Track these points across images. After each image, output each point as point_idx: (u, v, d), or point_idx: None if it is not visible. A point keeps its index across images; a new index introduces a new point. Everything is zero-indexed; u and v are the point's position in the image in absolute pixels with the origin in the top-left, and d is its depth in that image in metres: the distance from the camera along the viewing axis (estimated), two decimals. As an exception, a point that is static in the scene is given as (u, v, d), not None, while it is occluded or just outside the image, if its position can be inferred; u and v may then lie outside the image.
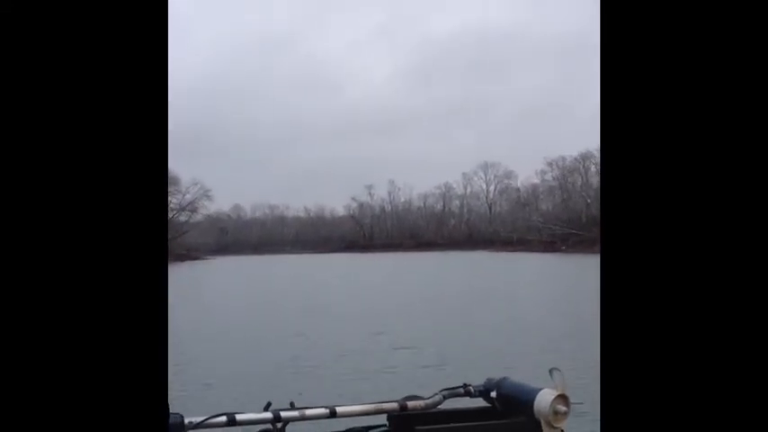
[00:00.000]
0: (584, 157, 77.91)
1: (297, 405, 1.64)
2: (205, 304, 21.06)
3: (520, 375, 1.79)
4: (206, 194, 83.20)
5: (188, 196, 79.89)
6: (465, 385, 1.82)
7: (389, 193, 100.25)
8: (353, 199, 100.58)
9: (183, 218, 78.63)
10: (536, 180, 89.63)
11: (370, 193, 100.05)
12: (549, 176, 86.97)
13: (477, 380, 1.84)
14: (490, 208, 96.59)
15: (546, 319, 16.16)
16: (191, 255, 72.89)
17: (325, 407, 1.66)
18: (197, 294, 23.76)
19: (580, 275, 24.91)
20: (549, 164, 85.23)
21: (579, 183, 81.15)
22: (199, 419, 1.51)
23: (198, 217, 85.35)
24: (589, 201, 73.31)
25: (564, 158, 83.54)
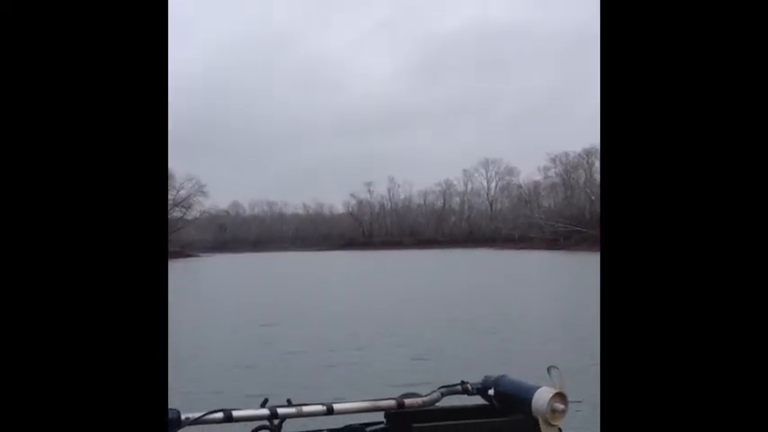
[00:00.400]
0: (588, 152, 77.71)
1: (294, 402, 1.66)
2: (192, 305, 20.69)
3: (522, 375, 1.81)
4: (201, 190, 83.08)
5: (182, 192, 79.65)
6: (463, 383, 1.84)
7: (389, 190, 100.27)
8: (352, 196, 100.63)
9: (176, 214, 78.33)
10: (538, 177, 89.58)
11: (369, 190, 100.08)
12: (551, 173, 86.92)
13: (476, 378, 1.86)
14: (491, 205, 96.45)
15: (548, 318, 16.16)
16: (185, 252, 72.51)
17: (323, 404, 1.67)
18: (184, 296, 23.35)
19: (584, 274, 24.83)
20: (552, 159, 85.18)
21: (582, 179, 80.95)
22: (196, 415, 1.53)
23: (193, 213, 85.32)
24: (593, 197, 73.15)
25: (567, 154, 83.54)
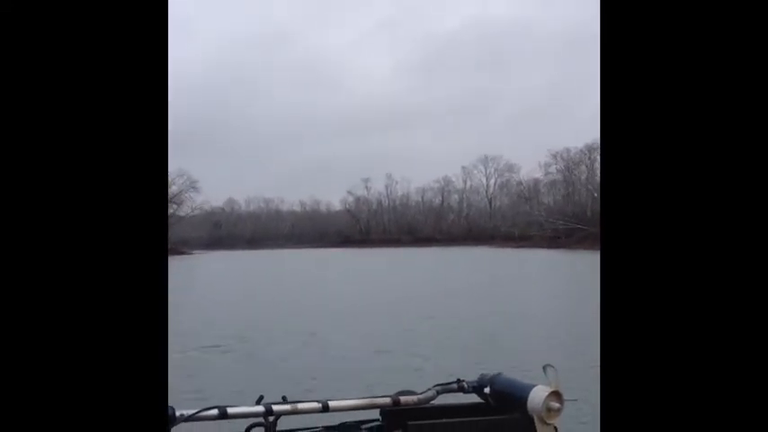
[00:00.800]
0: (590, 148, 77.42)
1: (289, 399, 1.69)
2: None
3: (520, 374, 1.84)
4: (193, 186, 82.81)
5: (174, 188, 79.07)
6: (459, 381, 1.87)
7: (387, 187, 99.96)
8: (350, 193, 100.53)
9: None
10: (538, 174, 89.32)
11: (366, 187, 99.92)
12: (552, 169, 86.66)
13: (473, 376, 1.89)
14: (490, 203, 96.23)
15: (546, 318, 16.18)
16: (177, 249, 71.57)
17: (318, 401, 1.70)
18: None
19: (584, 272, 24.77)
20: (554, 155, 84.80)
21: (584, 176, 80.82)
22: (190, 412, 1.55)
23: (185, 209, 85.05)
24: (595, 194, 72.90)
25: (569, 150, 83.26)
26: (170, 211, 78.34)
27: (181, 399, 1.52)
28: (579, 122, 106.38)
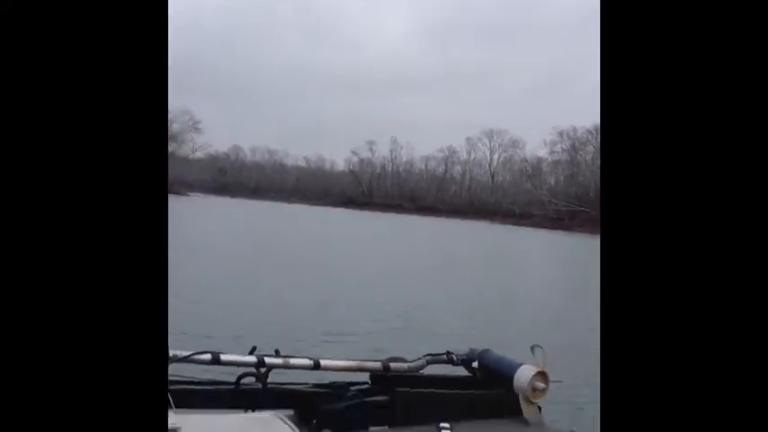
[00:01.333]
0: (599, 128, 76.20)
1: (282, 353, 1.73)
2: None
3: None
4: (194, 126, 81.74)
5: (175, 125, 76.36)
6: (448, 353, 1.92)
7: (391, 152, 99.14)
8: (354, 153, 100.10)
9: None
10: (543, 152, 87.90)
11: (371, 150, 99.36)
12: (558, 148, 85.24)
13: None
14: (493, 177, 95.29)
15: (542, 305, 16.24)
16: (172, 189, 69.87)
17: (310, 358, 1.75)
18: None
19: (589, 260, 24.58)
20: (560, 133, 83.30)
21: (590, 156, 79.84)
22: (184, 354, 1.59)
23: (185, 150, 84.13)
24: (601, 176, 72.13)
25: (576, 129, 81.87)
26: (169, 150, 77.12)
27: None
28: (587, 100, 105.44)
